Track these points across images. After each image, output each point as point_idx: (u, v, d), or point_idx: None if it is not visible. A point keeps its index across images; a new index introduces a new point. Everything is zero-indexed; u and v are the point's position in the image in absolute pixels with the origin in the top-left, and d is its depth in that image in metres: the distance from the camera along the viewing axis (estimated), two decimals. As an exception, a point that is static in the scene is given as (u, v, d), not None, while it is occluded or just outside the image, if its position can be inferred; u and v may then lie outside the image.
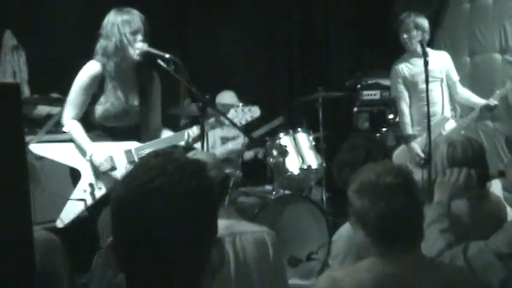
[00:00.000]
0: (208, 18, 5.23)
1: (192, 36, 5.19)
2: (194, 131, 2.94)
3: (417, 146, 4.01)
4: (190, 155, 2.20)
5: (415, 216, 1.55)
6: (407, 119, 4.11)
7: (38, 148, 2.91)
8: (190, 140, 2.95)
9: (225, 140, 4.73)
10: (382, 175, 1.56)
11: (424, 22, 3.98)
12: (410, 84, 4.08)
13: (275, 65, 5.40)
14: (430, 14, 5.48)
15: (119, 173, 2.90)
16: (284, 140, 4.20)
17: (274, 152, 4.13)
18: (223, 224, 1.35)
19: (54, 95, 4.14)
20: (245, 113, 3.00)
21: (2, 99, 1.02)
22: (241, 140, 4.66)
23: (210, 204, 0.99)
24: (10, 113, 1.02)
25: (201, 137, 2.83)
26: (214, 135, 4.56)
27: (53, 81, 4.25)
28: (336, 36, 5.66)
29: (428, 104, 3.51)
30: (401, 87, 4.11)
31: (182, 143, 2.96)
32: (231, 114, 3.00)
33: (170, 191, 0.94)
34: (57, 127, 3.54)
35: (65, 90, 4.01)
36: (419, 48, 3.81)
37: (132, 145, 2.94)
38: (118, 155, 2.91)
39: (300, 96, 4.80)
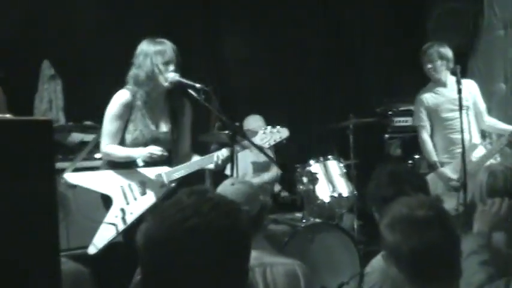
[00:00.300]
0: (241, 48, 5.28)
1: (226, 65, 5.23)
2: (223, 153, 2.96)
3: (448, 171, 3.95)
4: (228, 183, 2.20)
5: (451, 251, 1.49)
6: (430, 146, 4.10)
7: (72, 177, 2.98)
8: (220, 162, 2.95)
9: (256, 165, 4.71)
10: (414, 208, 1.50)
11: (448, 52, 4.00)
12: (434, 114, 4.08)
13: (306, 89, 5.38)
14: (464, 40, 5.50)
15: (149, 198, 2.91)
16: (314, 167, 4.17)
17: (305, 179, 4.10)
18: (254, 255, 1.33)
19: (88, 123, 4.22)
20: (273, 134, 3.00)
21: (35, 136, 1.03)
22: (275, 168, 4.65)
23: (242, 245, 0.96)
24: (42, 149, 1.03)
25: (231, 163, 2.82)
26: (246, 161, 4.55)
27: (86, 109, 4.34)
28: (369, 60, 5.62)
29: (462, 129, 3.50)
30: (424, 117, 4.12)
31: (211, 166, 2.96)
32: (259, 136, 3.00)
33: (204, 232, 0.92)
34: (91, 154, 3.60)
35: (97, 118, 4.13)
36: (443, 77, 3.87)
37: (163, 170, 2.96)
38: (149, 179, 2.93)
39: (330, 122, 4.75)
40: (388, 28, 5.60)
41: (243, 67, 5.25)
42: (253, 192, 2.19)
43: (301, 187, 4.10)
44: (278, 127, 3.03)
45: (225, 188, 2.21)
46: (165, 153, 2.93)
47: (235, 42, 5.27)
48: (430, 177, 4.10)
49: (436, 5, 5.41)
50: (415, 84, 5.63)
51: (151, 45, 2.93)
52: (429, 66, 4.01)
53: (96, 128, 3.84)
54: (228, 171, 4.09)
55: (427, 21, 5.50)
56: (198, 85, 2.85)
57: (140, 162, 2.93)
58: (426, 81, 5.88)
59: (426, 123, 4.11)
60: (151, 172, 2.97)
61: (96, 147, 3.59)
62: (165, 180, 2.93)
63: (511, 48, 4.88)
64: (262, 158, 4.69)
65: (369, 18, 5.57)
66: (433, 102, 4.07)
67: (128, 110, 2.94)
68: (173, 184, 2.96)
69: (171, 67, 2.92)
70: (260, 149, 2.90)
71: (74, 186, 3.01)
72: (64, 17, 4.57)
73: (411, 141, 5.23)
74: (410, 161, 5.11)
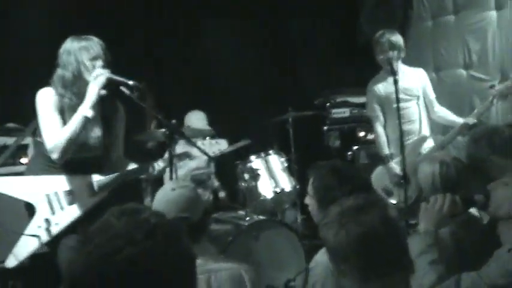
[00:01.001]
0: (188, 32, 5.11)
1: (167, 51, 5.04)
2: (160, 164, 2.80)
3: (396, 165, 3.89)
4: (168, 189, 2.07)
5: (392, 240, 1.42)
6: (382, 138, 4.03)
7: (-11, 183, 2.71)
8: (155, 172, 2.80)
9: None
10: (348, 200, 1.48)
11: (399, 40, 3.92)
12: (387, 103, 3.99)
13: (244, 84, 5.29)
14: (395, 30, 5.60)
15: (78, 207, 2.72)
16: (256, 163, 4.09)
17: (246, 176, 4.01)
18: (198, 262, 1.23)
19: (11, 125, 3.92)
20: (212, 146, 2.89)
21: None
22: (204, 158, 4.51)
23: (187, 271, 0.84)
24: None
25: (169, 166, 2.68)
26: (186, 169, 4.40)
27: (9, 111, 4.04)
28: (306, 54, 5.59)
29: (400, 123, 3.47)
30: (376, 107, 4.04)
31: (144, 176, 2.82)
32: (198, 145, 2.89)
33: (142, 263, 0.78)
34: (14, 159, 3.34)
35: (21, 120, 3.84)
36: (394, 67, 3.76)
37: (94, 178, 2.77)
38: (78, 189, 2.73)
39: (270, 116, 4.69)
40: (323, 20, 5.59)
41: (183, 62, 5.08)
42: (195, 197, 2.08)
43: (243, 184, 4.00)
44: (217, 139, 2.94)
45: (165, 194, 2.10)
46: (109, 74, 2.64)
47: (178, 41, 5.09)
48: (380, 170, 4.11)
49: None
50: (351, 75, 5.75)
51: (75, 41, 2.71)
52: (381, 57, 3.91)
53: (20, 130, 3.57)
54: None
55: (360, 13, 5.55)
56: (130, 82, 2.66)
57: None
58: (363, 72, 5.96)
59: (379, 114, 4.03)
60: (80, 180, 2.76)
61: (20, 149, 3.34)
62: (96, 189, 2.74)
63: (440, 39, 4.98)
64: (203, 164, 4.54)
65: (305, 10, 5.54)
66: (385, 91, 3.98)
67: (57, 106, 2.68)
68: (103, 194, 2.78)
69: (99, 63, 2.71)
70: (193, 143, 2.77)
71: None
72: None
73: (350, 132, 5.31)
74: (349, 152, 5.14)
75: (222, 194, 4.83)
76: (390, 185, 3.95)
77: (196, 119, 4.53)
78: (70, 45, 2.70)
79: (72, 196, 2.72)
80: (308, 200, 2.22)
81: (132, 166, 2.88)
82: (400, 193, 3.60)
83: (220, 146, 2.92)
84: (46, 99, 2.68)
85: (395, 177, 3.88)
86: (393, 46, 3.86)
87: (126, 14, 4.78)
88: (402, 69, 3.93)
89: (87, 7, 4.27)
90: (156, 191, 2.10)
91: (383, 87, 4.02)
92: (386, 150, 4.00)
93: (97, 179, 2.76)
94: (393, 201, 3.87)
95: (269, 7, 5.43)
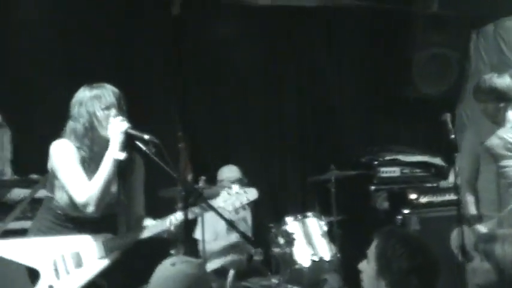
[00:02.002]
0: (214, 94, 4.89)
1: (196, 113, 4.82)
2: (177, 217, 2.47)
3: (483, 228, 3.23)
4: (168, 264, 1.76)
5: None
6: (470, 197, 3.39)
7: (-8, 246, 2.46)
8: (173, 228, 2.47)
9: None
10: None
11: (505, 84, 3.30)
12: (489, 158, 3.36)
13: (282, 140, 4.96)
14: (451, 86, 5.20)
15: (85, 272, 2.40)
16: (291, 226, 3.71)
17: (281, 240, 3.62)
18: None
19: (35, 176, 3.70)
20: (239, 195, 2.54)
21: None
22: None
23: None
24: None
25: (185, 228, 2.34)
26: (217, 220, 3.99)
27: (35, 162, 3.85)
28: (350, 107, 5.24)
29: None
30: (471, 160, 3.42)
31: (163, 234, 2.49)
32: (223, 196, 2.55)
33: None
34: (25, 213, 3.09)
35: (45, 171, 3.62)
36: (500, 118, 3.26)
37: (105, 237, 2.47)
38: (87, 250, 2.44)
39: (309, 175, 4.33)
40: (366, 74, 5.26)
41: (214, 115, 4.84)
42: (197, 275, 1.75)
43: (276, 249, 3.61)
44: (245, 187, 2.60)
45: (164, 270, 1.78)
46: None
47: (202, 91, 4.88)
48: (461, 231, 3.46)
49: (420, 52, 5.11)
50: (400, 132, 5.36)
51: (87, 90, 2.50)
52: (481, 107, 3.36)
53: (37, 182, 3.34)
54: (197, 235, 3.61)
55: (412, 68, 5.18)
56: (146, 136, 2.39)
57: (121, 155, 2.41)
58: (413, 128, 5.50)
59: (472, 167, 3.39)
60: (90, 240, 2.47)
61: (35, 203, 3.09)
62: (106, 251, 2.44)
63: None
64: (237, 216, 4.20)
65: (346, 63, 5.24)
66: (489, 143, 3.32)
67: (79, 160, 2.45)
68: (115, 256, 2.47)
69: (113, 112, 2.47)
70: (220, 214, 2.42)
71: (-4, 257, 2.48)
72: (14, 58, 4.14)
73: (399, 193, 4.84)
74: (399, 216, 4.65)
75: (257, 258, 4.41)
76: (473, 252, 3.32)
77: (230, 172, 4.21)
78: (82, 95, 2.50)
79: (80, 258, 2.43)
80: (364, 266, 1.99)
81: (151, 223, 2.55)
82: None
83: (248, 195, 2.57)
84: (65, 151, 2.46)
85: (481, 242, 3.17)
86: (499, 96, 3.27)
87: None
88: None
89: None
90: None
91: (484, 138, 3.37)
92: (473, 210, 3.37)
93: (107, 238, 2.45)
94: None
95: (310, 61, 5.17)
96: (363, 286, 1.96)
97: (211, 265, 3.96)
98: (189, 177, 4.50)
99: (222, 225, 4.01)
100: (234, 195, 2.53)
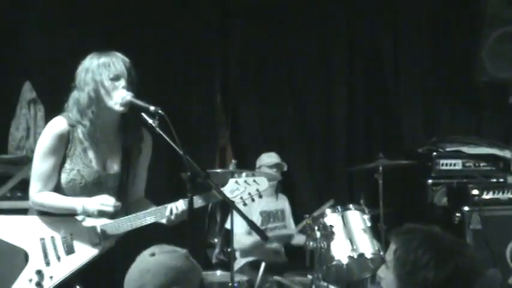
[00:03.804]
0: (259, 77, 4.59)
1: (242, 104, 4.53)
2: (178, 206, 2.19)
3: None
4: (147, 254, 1.49)
5: None
6: None
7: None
8: (173, 217, 2.20)
9: (266, 216, 3.88)
10: None
11: None
12: None
13: (331, 122, 4.57)
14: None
15: (77, 259, 2.18)
16: (330, 218, 3.35)
17: (317, 234, 3.28)
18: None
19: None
20: (248, 186, 2.24)
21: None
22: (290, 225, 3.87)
23: None
24: None
25: (189, 214, 2.05)
26: (251, 210, 3.69)
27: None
28: (407, 91, 4.77)
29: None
30: None
31: (163, 221, 2.21)
32: (230, 186, 2.26)
33: None
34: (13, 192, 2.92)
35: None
36: None
37: (100, 222, 2.23)
38: (79, 233, 2.22)
39: (354, 163, 3.94)
40: (426, 54, 4.75)
41: (259, 103, 4.54)
42: (181, 269, 1.46)
43: (311, 243, 3.27)
44: (255, 176, 2.30)
45: (142, 262, 1.51)
46: (118, 205, 2.21)
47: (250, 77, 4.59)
48: None
49: (490, 30, 4.56)
50: (464, 120, 4.83)
51: (95, 58, 2.26)
52: None
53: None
54: (229, 225, 3.34)
55: (479, 47, 4.64)
56: (152, 107, 2.13)
57: (80, 217, 2.22)
58: (480, 117, 4.96)
59: None
60: (83, 224, 2.23)
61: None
62: (100, 237, 2.20)
63: None
64: (274, 205, 3.92)
65: (403, 42, 4.76)
66: None
67: (64, 143, 2.25)
68: (110, 243, 2.23)
69: (122, 83, 2.22)
70: (220, 191, 2.13)
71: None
72: (52, 35, 4.01)
73: (460, 189, 4.38)
74: (458, 214, 4.18)
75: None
76: None
77: (267, 157, 3.95)
78: (89, 62, 2.26)
79: (72, 243, 2.22)
80: (383, 273, 1.67)
81: (150, 209, 2.29)
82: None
83: (259, 185, 2.25)
84: (51, 134, 2.25)
85: None
86: None
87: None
88: None
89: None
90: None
91: None
92: None
93: (103, 223, 2.21)
94: None
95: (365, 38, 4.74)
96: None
97: (244, 259, 3.73)
98: (231, 160, 4.27)
99: (255, 219, 3.73)
100: (242, 185, 2.24)
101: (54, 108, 3.93)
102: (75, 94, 2.27)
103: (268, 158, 3.95)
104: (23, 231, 2.23)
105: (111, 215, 2.22)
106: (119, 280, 1.55)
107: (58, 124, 2.26)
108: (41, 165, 2.25)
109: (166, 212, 2.21)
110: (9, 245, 2.23)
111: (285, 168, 3.98)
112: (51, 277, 2.17)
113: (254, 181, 2.25)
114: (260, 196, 2.26)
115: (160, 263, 1.45)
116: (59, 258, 2.20)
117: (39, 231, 2.23)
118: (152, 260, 1.46)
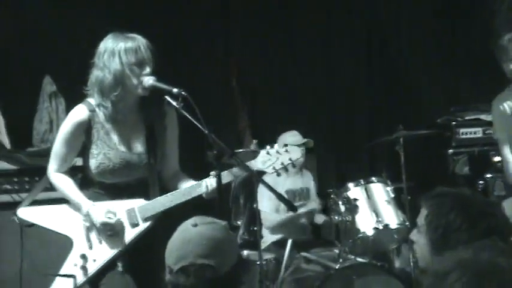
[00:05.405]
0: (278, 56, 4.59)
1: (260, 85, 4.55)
2: (212, 183, 2.23)
3: None
4: (190, 224, 1.54)
5: None
6: (510, 165, 3.15)
7: (25, 213, 2.37)
8: (210, 191, 2.24)
9: (292, 194, 3.90)
10: None
11: None
12: None
13: (351, 96, 4.58)
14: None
15: (117, 241, 2.25)
16: (354, 192, 3.36)
17: (342, 208, 3.30)
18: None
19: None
20: (280, 156, 2.24)
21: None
22: (314, 201, 3.88)
23: None
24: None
25: (218, 192, 2.10)
26: (277, 189, 3.71)
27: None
28: (424, 62, 4.74)
29: None
30: (503, 129, 3.16)
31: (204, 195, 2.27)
32: (261, 157, 2.27)
33: None
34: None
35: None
36: None
37: (137, 203, 2.29)
38: (118, 217, 2.28)
39: (376, 136, 3.94)
40: (443, 24, 4.71)
41: (280, 78, 4.55)
42: (222, 239, 1.51)
43: (336, 217, 3.30)
44: (287, 146, 2.29)
45: (184, 232, 1.55)
46: (120, 221, 2.27)
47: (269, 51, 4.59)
48: (510, 202, 3.16)
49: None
50: (483, 88, 4.78)
51: (120, 41, 2.27)
52: (509, 66, 3.03)
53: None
54: (254, 204, 3.37)
55: (495, 13, 4.58)
56: (175, 90, 2.17)
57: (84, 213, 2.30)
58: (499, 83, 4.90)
59: (505, 137, 3.19)
60: (121, 206, 2.30)
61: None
62: (139, 218, 2.26)
63: None
64: (300, 182, 3.94)
65: (419, 12, 4.72)
66: None
67: (83, 130, 2.32)
68: (148, 223, 2.28)
69: (147, 69, 2.25)
70: (260, 179, 2.17)
71: (31, 225, 2.39)
72: (70, 28, 4.06)
73: (482, 156, 4.36)
74: (480, 182, 4.17)
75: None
76: None
77: (289, 136, 3.90)
78: (114, 44, 2.27)
79: (113, 226, 2.28)
80: (416, 237, 1.67)
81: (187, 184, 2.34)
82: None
83: (291, 154, 2.24)
84: (72, 122, 2.34)
85: None
86: None
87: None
88: None
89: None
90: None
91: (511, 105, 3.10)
92: None
93: (141, 204, 2.28)
94: None
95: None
96: (416, 258, 1.62)
97: (271, 237, 3.78)
98: (251, 142, 4.29)
99: (281, 189, 3.75)
100: (274, 156, 2.25)
101: (75, 101, 4.03)
102: (98, 74, 2.29)
103: (293, 137, 3.87)
104: (65, 218, 2.32)
105: (146, 195, 2.27)
106: (158, 249, 1.62)
107: (78, 112, 2.34)
108: (59, 148, 2.35)
109: (203, 188, 2.25)
110: (55, 234, 2.32)
111: (312, 144, 3.92)
112: (94, 260, 2.25)
113: (286, 151, 2.25)
114: (294, 166, 2.27)
115: (201, 233, 1.49)
116: (100, 241, 2.27)
117: (80, 216, 2.31)
118: (194, 230, 1.50)
